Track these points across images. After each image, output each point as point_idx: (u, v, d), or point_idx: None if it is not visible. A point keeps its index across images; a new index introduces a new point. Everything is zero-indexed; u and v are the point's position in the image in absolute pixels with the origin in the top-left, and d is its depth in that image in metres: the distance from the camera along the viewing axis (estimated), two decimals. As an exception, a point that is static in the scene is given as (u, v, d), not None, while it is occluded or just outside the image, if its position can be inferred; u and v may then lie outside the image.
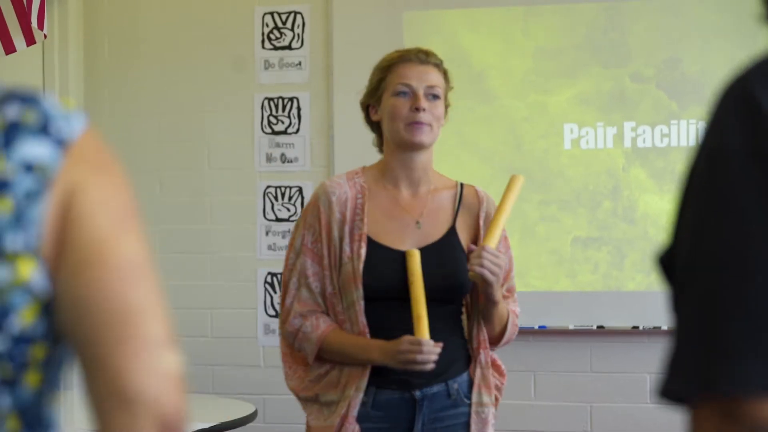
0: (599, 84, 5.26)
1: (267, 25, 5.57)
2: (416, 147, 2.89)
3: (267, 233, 5.51)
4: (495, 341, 2.93)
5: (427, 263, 2.83)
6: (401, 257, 2.83)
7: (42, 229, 1.08)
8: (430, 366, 2.72)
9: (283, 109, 5.53)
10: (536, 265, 5.29)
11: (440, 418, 2.86)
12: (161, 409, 1.08)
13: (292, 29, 5.53)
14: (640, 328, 5.20)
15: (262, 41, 5.57)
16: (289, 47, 5.54)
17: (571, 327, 5.25)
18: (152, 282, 1.11)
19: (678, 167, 5.20)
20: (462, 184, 3.02)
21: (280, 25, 5.55)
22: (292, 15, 5.54)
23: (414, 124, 2.87)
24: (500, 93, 5.35)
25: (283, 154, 5.53)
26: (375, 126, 3.00)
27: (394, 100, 2.90)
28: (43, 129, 1.10)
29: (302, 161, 5.52)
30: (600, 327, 5.24)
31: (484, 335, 2.90)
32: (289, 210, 5.49)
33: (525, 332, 5.20)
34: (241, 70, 5.51)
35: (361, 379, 2.83)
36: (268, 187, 5.54)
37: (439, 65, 2.95)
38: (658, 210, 5.22)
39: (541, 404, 5.29)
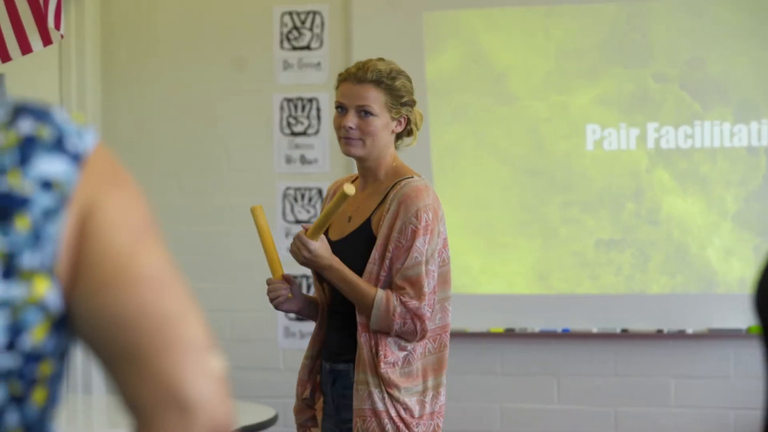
0: (621, 84, 5.27)
1: (285, 25, 5.58)
2: (352, 157, 3.24)
3: (287, 235, 5.48)
4: (371, 324, 3.13)
5: (338, 251, 3.17)
6: (332, 247, 3.18)
7: (59, 246, 1.07)
8: (281, 300, 3.18)
9: (303, 110, 5.53)
10: (558, 267, 5.30)
11: (346, 395, 3.15)
12: (215, 415, 1.09)
13: (311, 29, 5.54)
14: (665, 331, 5.19)
15: (281, 41, 5.58)
16: (308, 47, 5.56)
17: (594, 330, 5.25)
18: (182, 288, 1.12)
19: (702, 168, 5.22)
20: (400, 181, 3.17)
21: (298, 24, 5.56)
22: (311, 15, 5.55)
23: (343, 139, 3.18)
24: (521, 94, 5.36)
25: (302, 156, 5.54)
26: None
27: (335, 115, 3.22)
28: (58, 145, 1.09)
29: (322, 163, 5.52)
30: (624, 330, 5.23)
31: (363, 320, 3.12)
32: (308, 212, 5.51)
33: (547, 335, 5.25)
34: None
35: (311, 348, 3.29)
36: (288, 188, 5.55)
37: (378, 82, 3.15)
38: (681, 212, 5.22)
39: (564, 408, 5.29)
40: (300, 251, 3.09)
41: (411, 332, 3.10)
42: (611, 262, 5.25)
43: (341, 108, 3.19)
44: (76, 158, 1.09)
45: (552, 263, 5.28)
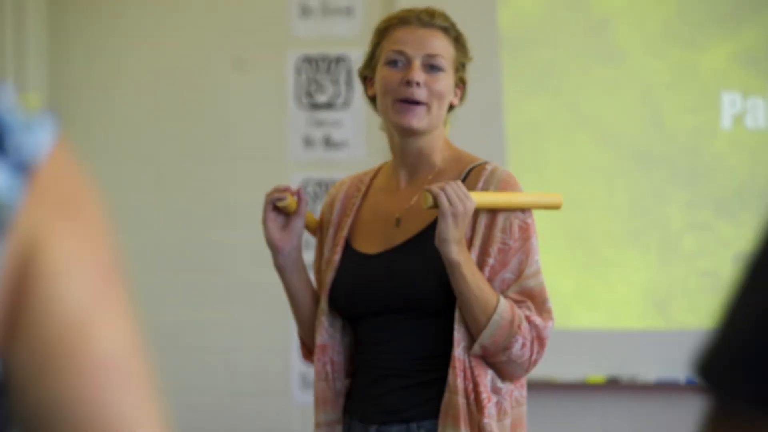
0: (771, 38, 4.99)
1: (304, -41, 5.30)
2: (406, 132, 2.89)
3: (306, 246, 4.74)
4: (477, 337, 2.84)
5: (388, 267, 2.86)
6: (368, 264, 2.90)
7: None
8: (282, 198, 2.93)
9: (327, 73, 5.23)
10: (682, 292, 4.93)
11: None
12: None
13: (337, -37, 5.29)
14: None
15: (298, -21, 5.28)
16: (334, -13, 5.27)
17: (733, 381, 4.65)
18: (144, 379, 0.98)
19: None
20: (480, 166, 2.95)
21: (321, -43, 5.29)
22: (338, -57, 5.31)
23: (403, 103, 2.87)
24: (630, 49, 5.01)
25: (327, 136, 5.22)
26: (374, 103, 3.09)
27: (385, 70, 2.91)
28: None
29: (354, 146, 5.19)
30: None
31: (460, 353, 2.82)
32: (339, 215, 5.02)
33: (667, 388, 4.90)
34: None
35: (321, 411, 2.93)
36: (307, 181, 5.21)
37: (447, 29, 2.95)
38: None
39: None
40: (459, 198, 2.74)
41: (521, 363, 2.79)
42: (757, 286, 4.66)
43: (397, 61, 2.87)
44: (21, 167, 0.93)
45: (672, 286, 4.93)
